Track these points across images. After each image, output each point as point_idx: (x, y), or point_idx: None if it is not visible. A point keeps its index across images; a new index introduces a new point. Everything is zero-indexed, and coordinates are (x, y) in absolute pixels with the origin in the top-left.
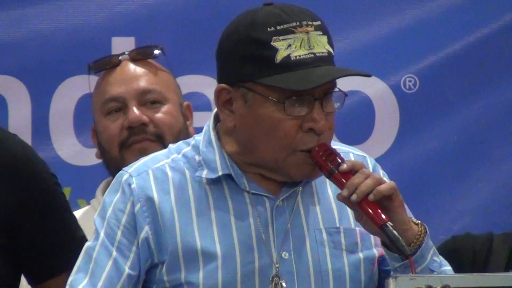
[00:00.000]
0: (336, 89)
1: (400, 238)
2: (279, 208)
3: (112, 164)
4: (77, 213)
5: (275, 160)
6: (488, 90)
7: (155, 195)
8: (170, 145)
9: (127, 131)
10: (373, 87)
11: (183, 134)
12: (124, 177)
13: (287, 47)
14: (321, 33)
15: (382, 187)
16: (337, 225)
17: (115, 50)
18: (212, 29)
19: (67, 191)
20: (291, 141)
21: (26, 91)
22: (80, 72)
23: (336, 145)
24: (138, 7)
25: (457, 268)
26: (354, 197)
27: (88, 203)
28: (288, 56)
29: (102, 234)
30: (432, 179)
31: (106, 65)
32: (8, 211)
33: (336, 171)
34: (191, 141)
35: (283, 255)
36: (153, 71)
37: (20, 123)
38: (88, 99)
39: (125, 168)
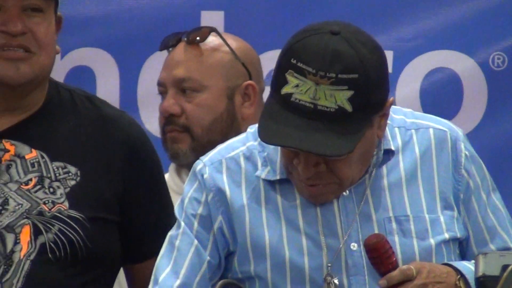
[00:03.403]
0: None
1: None
2: (347, 198)
3: None
4: None
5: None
6: None
7: (226, 187)
8: (249, 129)
9: (164, 118)
10: (462, 64)
11: (221, 121)
12: (198, 167)
13: (295, 86)
14: (345, 87)
15: None
16: (407, 213)
17: (204, 25)
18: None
19: None
20: (287, 164)
21: (114, 64)
22: None
23: (418, 118)
24: None
25: None
26: None
27: None
28: (291, 94)
29: (182, 223)
30: None
31: (167, 44)
32: (122, 189)
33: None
34: None
35: (351, 246)
36: (196, 57)
37: (108, 95)
38: None
39: (201, 157)
